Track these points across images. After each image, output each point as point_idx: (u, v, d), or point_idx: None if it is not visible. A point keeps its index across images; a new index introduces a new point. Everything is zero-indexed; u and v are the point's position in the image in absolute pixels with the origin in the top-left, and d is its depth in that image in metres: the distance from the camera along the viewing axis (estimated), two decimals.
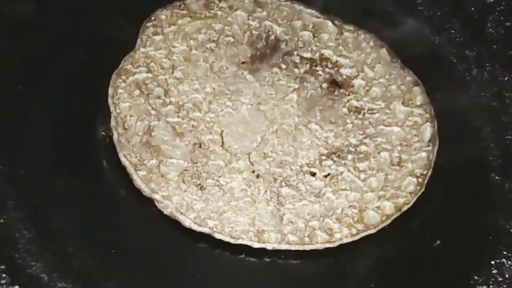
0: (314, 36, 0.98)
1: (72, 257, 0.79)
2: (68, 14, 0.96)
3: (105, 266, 0.79)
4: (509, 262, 0.83)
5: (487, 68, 1.00)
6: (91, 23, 0.96)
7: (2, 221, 0.80)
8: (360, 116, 0.91)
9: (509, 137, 0.94)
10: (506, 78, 0.99)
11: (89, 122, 0.89)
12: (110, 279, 0.79)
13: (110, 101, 0.88)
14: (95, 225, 0.82)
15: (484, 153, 0.92)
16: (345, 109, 0.92)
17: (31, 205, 0.82)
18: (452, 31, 1.03)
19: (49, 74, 0.92)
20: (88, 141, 0.87)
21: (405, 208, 0.85)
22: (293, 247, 0.82)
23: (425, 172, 0.87)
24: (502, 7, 1.04)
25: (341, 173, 0.86)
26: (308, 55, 0.96)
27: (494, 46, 1.02)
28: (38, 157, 0.85)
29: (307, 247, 0.82)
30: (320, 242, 0.82)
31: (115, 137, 0.86)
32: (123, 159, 0.85)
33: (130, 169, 0.84)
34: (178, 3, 0.98)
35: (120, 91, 0.89)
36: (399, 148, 0.89)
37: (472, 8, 1.05)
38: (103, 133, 0.88)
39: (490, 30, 1.03)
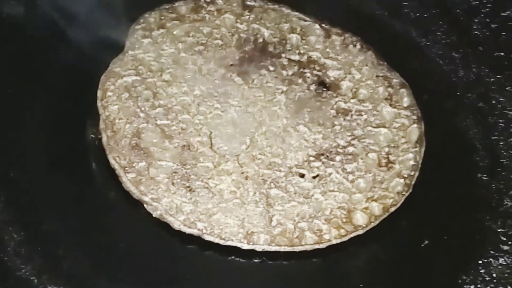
0: (302, 39, 0.98)
1: (62, 259, 0.79)
2: (57, 17, 0.96)
3: (95, 268, 0.79)
4: (497, 262, 0.84)
5: (473, 70, 1.01)
6: (79, 26, 0.96)
7: None
8: (348, 117, 0.92)
9: (496, 137, 0.94)
10: (492, 79, 1.00)
11: (79, 125, 0.89)
12: (100, 281, 0.79)
13: (99, 103, 0.89)
14: (84, 228, 0.82)
15: (471, 153, 0.93)
16: (333, 111, 0.92)
17: (20, 207, 0.82)
18: (438, 33, 1.04)
19: (38, 77, 0.92)
20: (77, 143, 0.88)
21: (393, 209, 0.85)
22: (282, 249, 0.82)
23: (412, 173, 0.88)
24: (487, 9, 1.05)
25: (330, 174, 0.87)
26: (296, 57, 0.97)
27: (480, 48, 1.03)
28: (27, 160, 0.85)
29: (296, 248, 0.82)
30: (309, 243, 0.82)
31: (104, 139, 0.86)
32: (112, 162, 0.85)
33: (120, 171, 0.84)
34: (167, 7, 0.99)
35: (109, 94, 0.89)
36: (386, 149, 0.89)
37: (458, 10, 1.06)
38: (93, 136, 0.88)
39: (476, 32, 1.04)
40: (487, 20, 1.04)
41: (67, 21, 0.96)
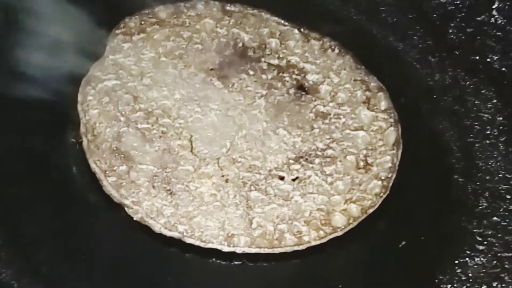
0: (281, 44, 0.99)
1: (43, 263, 0.79)
2: (37, 22, 0.97)
3: (76, 272, 0.79)
4: (473, 261, 0.85)
5: (449, 73, 1.03)
6: (60, 30, 0.96)
7: None
8: (327, 121, 0.93)
9: (471, 139, 0.96)
10: (468, 83, 1.02)
11: (59, 129, 0.89)
12: (81, 285, 0.79)
13: (79, 108, 0.89)
14: (65, 231, 0.82)
15: (447, 155, 0.94)
16: (312, 114, 0.93)
17: (0, 212, 0.82)
18: (415, 38, 1.06)
19: (19, 81, 0.91)
20: (58, 147, 0.87)
21: (371, 210, 0.87)
22: (262, 251, 0.83)
23: (389, 175, 0.89)
24: (463, 14, 1.07)
25: (309, 176, 0.88)
26: (275, 61, 0.98)
27: (456, 52, 1.05)
28: (7, 164, 0.85)
29: (276, 250, 0.83)
30: (289, 245, 0.83)
31: (84, 143, 0.87)
32: (93, 165, 0.85)
33: (100, 175, 0.85)
34: (147, 11, 1.00)
35: (89, 98, 0.90)
36: (364, 152, 0.91)
37: (434, 15, 1.07)
38: (73, 140, 0.88)
39: (452, 36, 1.06)
40: (463, 24, 1.06)
41: (46, 25, 0.96)
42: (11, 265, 0.78)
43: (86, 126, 0.88)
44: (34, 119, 0.89)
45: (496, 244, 0.86)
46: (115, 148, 0.86)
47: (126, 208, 0.83)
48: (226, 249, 0.82)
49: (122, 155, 0.86)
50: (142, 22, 0.98)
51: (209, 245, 0.82)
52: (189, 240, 0.82)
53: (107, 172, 0.85)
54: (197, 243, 0.82)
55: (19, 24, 0.97)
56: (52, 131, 0.89)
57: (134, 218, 0.83)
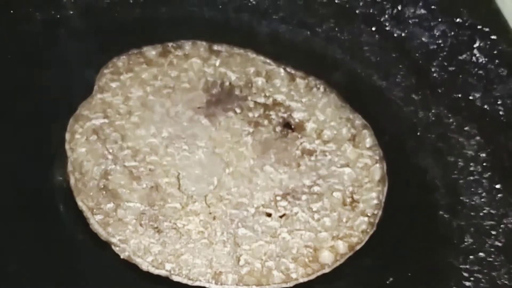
0: (267, 82, 1.01)
1: None
2: (26, 60, 0.97)
3: None
4: None
5: (433, 111, 1.04)
6: (49, 69, 0.97)
7: None
8: (313, 158, 0.94)
9: (455, 176, 0.97)
10: (451, 120, 1.03)
11: (46, 167, 0.89)
12: None
13: (67, 146, 0.89)
14: (52, 270, 0.81)
15: (431, 192, 0.95)
16: (298, 152, 0.94)
17: None
18: (399, 76, 1.08)
19: (6, 119, 0.92)
20: (45, 186, 0.87)
21: (358, 247, 0.87)
22: None
23: (375, 212, 0.90)
24: (445, 53, 1.09)
25: (296, 213, 0.88)
26: (261, 100, 0.99)
27: (439, 90, 1.06)
28: None
29: None
30: (277, 282, 0.83)
31: (72, 182, 0.87)
32: (80, 204, 0.85)
33: (87, 213, 0.84)
34: (135, 51, 1.01)
35: (77, 136, 0.90)
36: (350, 188, 0.91)
37: (417, 54, 1.09)
38: (60, 178, 0.88)
39: (434, 75, 1.08)
40: (445, 63, 1.08)
41: (36, 65, 0.97)
42: None
43: (74, 164, 0.88)
44: (21, 157, 0.89)
45: (483, 280, 0.87)
46: (102, 186, 0.87)
47: (113, 246, 0.83)
48: (213, 287, 0.82)
49: (109, 193, 0.86)
50: (130, 62, 0.99)
51: (197, 283, 0.82)
52: (176, 278, 0.82)
53: (94, 210, 0.84)
54: (185, 281, 0.82)
55: (7, 62, 0.98)
56: (39, 169, 0.88)
57: (121, 256, 0.83)
